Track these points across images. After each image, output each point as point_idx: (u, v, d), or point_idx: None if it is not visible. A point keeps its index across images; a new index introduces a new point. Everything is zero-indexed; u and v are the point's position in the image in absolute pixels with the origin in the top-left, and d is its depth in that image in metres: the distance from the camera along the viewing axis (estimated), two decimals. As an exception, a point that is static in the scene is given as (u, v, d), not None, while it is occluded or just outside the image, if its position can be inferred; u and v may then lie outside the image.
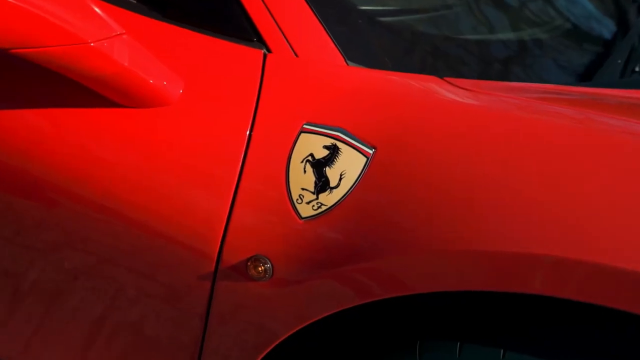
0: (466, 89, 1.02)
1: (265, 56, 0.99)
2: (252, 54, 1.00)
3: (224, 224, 0.93)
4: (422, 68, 1.19)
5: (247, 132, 0.94)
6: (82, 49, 0.83)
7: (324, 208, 0.89)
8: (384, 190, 0.89)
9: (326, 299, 0.91)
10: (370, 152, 0.90)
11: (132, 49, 0.89)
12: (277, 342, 0.96)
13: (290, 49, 1.01)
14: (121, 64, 0.88)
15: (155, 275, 1.02)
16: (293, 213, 0.91)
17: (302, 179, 0.91)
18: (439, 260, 0.83)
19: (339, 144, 0.91)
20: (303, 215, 0.90)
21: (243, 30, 1.02)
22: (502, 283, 0.81)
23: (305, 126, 0.93)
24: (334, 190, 0.90)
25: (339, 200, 0.89)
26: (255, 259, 0.91)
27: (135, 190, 0.98)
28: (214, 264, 0.95)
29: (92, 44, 0.83)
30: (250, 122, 0.94)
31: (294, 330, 0.94)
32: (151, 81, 0.93)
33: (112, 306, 1.09)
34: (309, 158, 0.91)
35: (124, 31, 0.87)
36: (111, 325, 1.12)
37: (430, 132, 0.90)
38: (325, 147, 0.91)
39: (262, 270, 0.91)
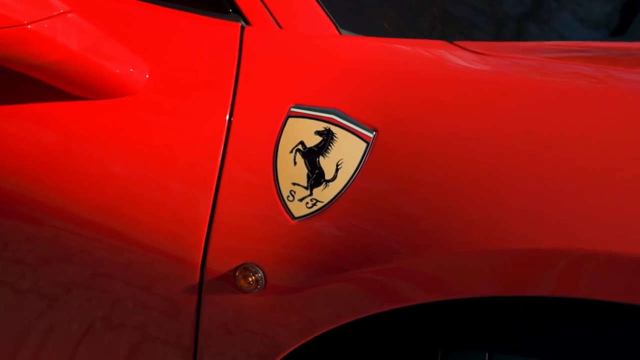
0: (479, 53, 0.87)
1: (243, 30, 0.85)
2: (227, 28, 0.85)
3: (206, 229, 0.80)
4: (427, 32, 1.03)
5: (227, 117, 0.79)
6: (17, 32, 0.69)
7: (319, 205, 0.76)
8: (389, 179, 0.75)
9: (340, 306, 0.78)
10: (371, 135, 0.75)
11: (81, 31, 0.75)
12: (283, 355, 0.83)
13: (272, 19, 0.86)
14: (68, 49, 0.74)
15: (133, 288, 0.89)
16: (284, 213, 0.77)
17: (292, 172, 0.77)
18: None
19: (334, 129, 0.77)
20: (296, 214, 0.76)
21: (215, 1, 0.87)
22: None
23: (292, 109, 0.79)
24: (330, 183, 0.76)
25: (336, 195, 0.75)
26: (244, 268, 0.78)
27: (103, 196, 0.85)
28: (198, 275, 0.82)
29: (28, 26, 0.69)
30: (229, 107, 0.81)
31: (303, 342, 0.81)
32: (109, 67, 0.78)
33: (98, 320, 0.96)
34: (299, 147, 0.77)
35: (69, 9, 0.73)
36: (101, 339, 0.99)
37: (439, 108, 0.75)
38: (318, 133, 0.77)
39: (252, 280, 0.78)
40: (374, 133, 0.76)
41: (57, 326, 0.95)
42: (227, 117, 0.81)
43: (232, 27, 0.86)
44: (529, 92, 0.77)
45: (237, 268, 0.79)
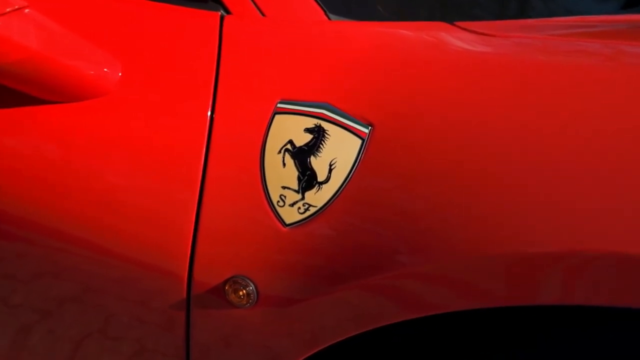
0: (481, 34, 0.79)
1: (222, 19, 0.78)
2: (205, 18, 0.78)
3: (191, 239, 0.73)
4: (425, 14, 0.95)
5: (208, 115, 0.72)
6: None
7: (312, 210, 0.69)
8: (389, 178, 0.68)
9: (346, 317, 0.71)
10: (366, 131, 0.68)
11: (41, 27, 0.68)
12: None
13: (254, 7, 0.79)
14: (27, 48, 0.66)
15: (124, 302, 0.83)
16: (275, 219, 0.70)
17: (281, 174, 0.69)
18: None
19: (325, 125, 0.69)
20: (287, 221, 0.69)
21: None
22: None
23: (279, 105, 0.71)
24: (324, 185, 0.68)
25: (331, 198, 0.68)
26: (234, 282, 0.71)
27: (81, 207, 0.77)
28: (185, 289, 0.75)
29: (-22, 26, 0.62)
30: (209, 105, 0.73)
31: (308, 355, 0.74)
32: (75, 67, 0.71)
33: (93, 333, 0.89)
34: (288, 147, 0.70)
35: (26, 4, 0.65)
36: (96, 353, 0.93)
37: (440, 97, 0.68)
38: (308, 130, 0.70)
39: (243, 294, 0.71)
40: (370, 128, 0.69)
41: (49, 340, 0.89)
42: (209, 114, 0.73)
43: (210, 17, 0.78)
44: (534, 75, 0.69)
45: (226, 281, 0.72)
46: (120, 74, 0.76)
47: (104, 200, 0.77)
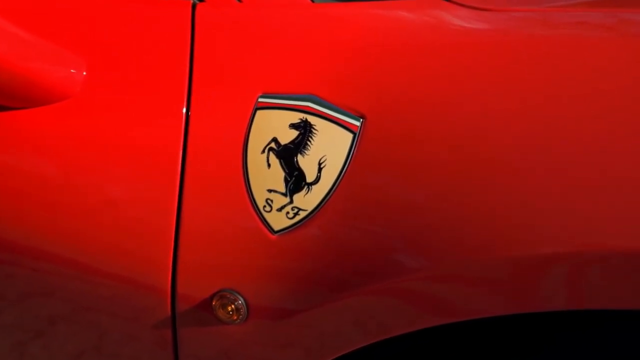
0: (477, 9, 0.72)
1: (194, 7, 0.70)
2: (176, 8, 0.71)
3: (171, 251, 0.66)
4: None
5: (184, 111, 0.65)
6: None
7: (302, 214, 0.62)
8: (384, 174, 0.61)
9: (358, 327, 0.65)
10: (358, 124, 0.61)
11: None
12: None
13: (229, -9, 0.71)
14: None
15: (115, 319, 0.76)
16: (262, 226, 0.63)
17: (266, 176, 0.63)
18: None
19: (312, 119, 0.62)
20: (276, 227, 0.62)
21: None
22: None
23: (260, 99, 0.64)
24: (314, 186, 0.62)
25: (322, 200, 0.61)
26: (221, 296, 0.64)
27: (55, 223, 0.71)
28: (169, 305, 0.69)
29: None
30: (184, 101, 0.66)
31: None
32: (33, 68, 0.64)
33: (80, 354, 0.83)
34: (272, 145, 0.63)
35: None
36: None
37: (437, 82, 0.61)
38: (293, 126, 0.63)
39: (232, 310, 0.64)
40: (361, 120, 0.62)
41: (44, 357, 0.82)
42: (184, 111, 0.66)
43: (181, 6, 0.71)
44: (534, 52, 0.62)
45: (213, 296, 0.66)
46: (85, 73, 0.69)
47: (78, 210, 0.71)
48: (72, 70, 0.70)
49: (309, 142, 0.63)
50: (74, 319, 0.78)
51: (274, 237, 0.64)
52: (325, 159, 0.62)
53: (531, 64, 0.62)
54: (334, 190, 0.62)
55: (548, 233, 0.56)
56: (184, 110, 0.67)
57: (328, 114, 0.63)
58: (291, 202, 0.63)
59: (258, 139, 0.64)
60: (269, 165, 0.64)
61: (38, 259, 0.74)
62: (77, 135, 0.70)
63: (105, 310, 0.75)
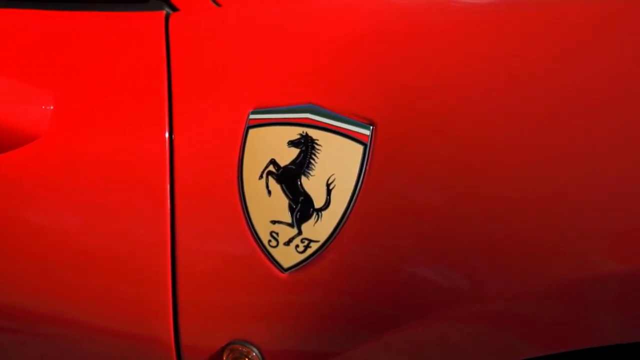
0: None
1: (167, 18, 0.61)
2: (147, 21, 0.62)
3: (170, 300, 0.56)
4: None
5: (166, 137, 0.56)
6: None
7: (315, 246, 0.52)
8: (408, 188, 0.51)
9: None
10: (368, 133, 0.51)
11: None
12: None
13: (206, -4, 0.62)
14: None
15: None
16: (269, 264, 0.54)
17: (268, 205, 0.53)
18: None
19: (313, 133, 0.53)
20: (285, 264, 0.53)
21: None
22: None
23: (252, 116, 0.54)
24: (324, 212, 0.52)
25: (336, 227, 0.52)
26: (232, 350, 0.55)
27: (44, 280, 0.62)
28: (175, 361, 0.59)
29: None
30: (166, 125, 0.57)
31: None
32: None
33: None
34: (271, 168, 0.53)
35: None
36: None
37: (453, 73, 0.51)
38: (292, 143, 0.53)
39: (246, 364, 0.54)
40: (371, 128, 0.52)
41: None
42: (167, 136, 0.57)
43: (153, 19, 0.62)
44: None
45: (223, 349, 0.57)
46: (52, 107, 0.60)
47: (66, 261, 0.62)
48: (31, 106, 0.61)
49: (312, 161, 0.53)
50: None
51: (284, 275, 0.54)
52: (334, 179, 0.52)
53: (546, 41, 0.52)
54: (349, 214, 0.52)
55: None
56: (167, 135, 0.57)
57: (331, 125, 0.53)
58: (300, 233, 0.53)
59: (254, 163, 0.55)
60: (269, 192, 0.54)
61: (27, 319, 0.65)
62: (53, 179, 0.61)
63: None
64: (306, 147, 0.53)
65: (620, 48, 0.49)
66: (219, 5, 0.63)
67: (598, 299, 0.47)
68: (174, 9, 0.64)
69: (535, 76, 0.50)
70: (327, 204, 0.53)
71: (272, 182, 0.54)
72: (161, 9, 0.64)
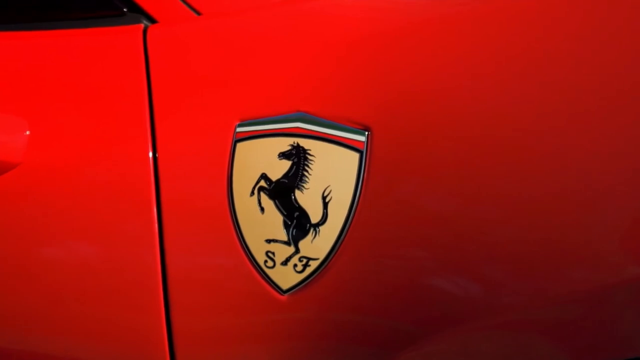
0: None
1: (146, 31, 0.57)
2: (124, 35, 0.58)
3: (164, 328, 0.53)
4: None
5: (150, 156, 0.52)
6: None
7: (314, 264, 0.48)
8: (411, 194, 0.47)
9: None
10: (363, 139, 0.47)
11: None
12: None
13: (185, 5, 0.58)
14: None
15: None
16: (267, 286, 0.50)
17: (261, 223, 0.49)
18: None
19: (305, 143, 0.49)
20: (284, 286, 0.49)
21: (102, 2, 0.60)
22: None
23: (239, 129, 0.51)
24: (322, 227, 0.48)
25: (336, 242, 0.48)
26: (234, 380, 0.51)
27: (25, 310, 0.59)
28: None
29: None
30: (149, 144, 0.53)
31: None
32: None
33: None
34: (262, 183, 0.50)
35: None
36: None
37: (455, 69, 0.47)
38: (283, 155, 0.49)
39: (249, 395, 0.50)
40: (367, 134, 0.48)
41: None
42: (150, 156, 0.54)
43: (130, 33, 0.59)
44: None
45: (224, 380, 0.52)
46: (28, 133, 0.57)
47: (52, 292, 0.59)
48: (17, 134, 0.58)
49: (306, 173, 0.49)
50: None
51: (284, 297, 0.50)
52: (330, 190, 0.49)
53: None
54: (348, 228, 0.48)
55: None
56: (151, 155, 0.54)
57: (324, 133, 0.49)
58: (297, 251, 0.49)
59: (244, 179, 0.51)
60: (262, 209, 0.50)
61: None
62: (34, 208, 0.58)
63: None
64: (298, 158, 0.50)
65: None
66: (199, 13, 0.60)
67: (628, 305, 0.43)
68: (152, 21, 0.60)
69: (541, 71, 0.46)
70: (325, 218, 0.49)
71: (265, 198, 0.51)
72: (138, 22, 0.60)
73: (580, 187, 0.44)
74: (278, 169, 0.50)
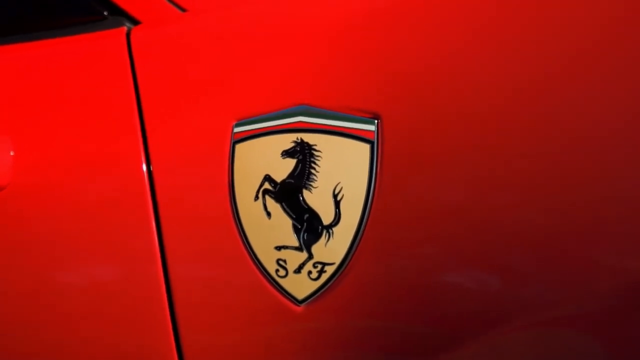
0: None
1: (129, 34, 0.53)
2: (107, 40, 0.54)
3: (173, 347, 0.49)
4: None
5: (144, 170, 0.48)
6: None
7: (330, 270, 0.44)
8: (432, 184, 0.43)
9: None
10: (373, 128, 0.43)
11: None
12: None
13: (169, 3, 0.54)
14: None
15: None
16: (280, 297, 0.46)
17: (269, 229, 0.45)
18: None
19: (309, 138, 0.45)
20: (300, 296, 0.45)
21: (82, 7, 0.56)
22: None
23: (237, 129, 0.47)
24: (335, 228, 0.44)
25: (352, 243, 0.43)
26: (252, 401, 0.47)
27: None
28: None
29: None
30: (142, 156, 0.49)
31: None
32: None
33: None
34: (266, 186, 0.45)
35: None
36: None
37: (461, 54, 0.42)
38: (287, 153, 0.45)
39: (271, 416, 0.46)
40: (376, 122, 0.44)
41: None
42: (144, 169, 0.49)
43: (113, 37, 0.55)
44: None
45: (242, 402, 0.48)
46: (12, 153, 0.53)
47: (53, 317, 0.55)
48: (5, 154, 0.54)
49: (313, 171, 0.45)
50: None
51: (300, 308, 0.46)
52: (341, 188, 0.45)
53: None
54: (364, 227, 0.44)
55: None
56: (144, 168, 0.50)
57: (329, 126, 0.45)
58: (311, 257, 0.45)
59: (246, 183, 0.47)
60: (268, 214, 0.46)
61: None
62: (27, 232, 0.54)
63: None
64: (303, 155, 0.46)
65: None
66: (184, 10, 0.56)
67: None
68: (135, 22, 0.56)
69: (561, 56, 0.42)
70: (338, 218, 0.45)
71: (270, 201, 0.46)
72: (121, 24, 0.57)
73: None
74: (282, 169, 0.46)
